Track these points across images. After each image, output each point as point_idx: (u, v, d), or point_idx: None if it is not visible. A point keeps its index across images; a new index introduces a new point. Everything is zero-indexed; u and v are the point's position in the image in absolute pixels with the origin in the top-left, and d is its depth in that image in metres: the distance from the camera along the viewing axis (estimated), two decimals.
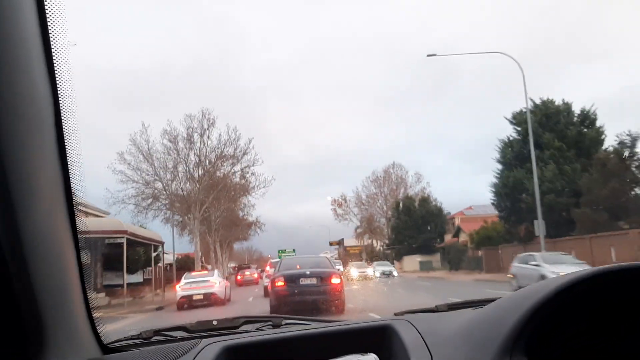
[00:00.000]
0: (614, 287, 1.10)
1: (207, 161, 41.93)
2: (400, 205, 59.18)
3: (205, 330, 1.65)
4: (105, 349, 1.42)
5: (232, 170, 43.48)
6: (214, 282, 19.74)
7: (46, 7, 1.12)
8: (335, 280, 12.56)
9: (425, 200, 58.07)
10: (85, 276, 1.31)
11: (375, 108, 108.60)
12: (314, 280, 12.38)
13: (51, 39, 1.13)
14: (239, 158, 43.09)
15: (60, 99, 1.17)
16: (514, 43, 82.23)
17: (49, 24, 1.12)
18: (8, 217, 0.97)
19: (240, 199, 53.48)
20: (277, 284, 12.56)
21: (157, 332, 1.65)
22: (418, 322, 1.35)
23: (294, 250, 79.27)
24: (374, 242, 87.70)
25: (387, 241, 70.67)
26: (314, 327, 1.50)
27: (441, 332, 1.25)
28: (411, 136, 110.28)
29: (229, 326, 1.68)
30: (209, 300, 18.91)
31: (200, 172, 41.71)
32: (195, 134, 41.14)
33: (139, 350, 1.47)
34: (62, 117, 1.17)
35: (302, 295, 11.99)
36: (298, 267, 13.22)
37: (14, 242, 0.98)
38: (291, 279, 12.45)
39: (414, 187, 65.65)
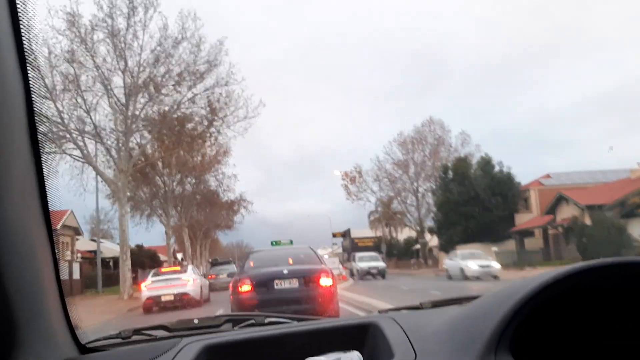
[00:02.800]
0: (599, 283, 1.08)
1: (142, 70, 23.12)
2: (450, 172, 40.70)
3: (185, 329, 1.61)
4: (83, 348, 1.37)
5: (191, 94, 24.44)
6: (186, 280, 16.70)
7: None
8: (325, 282, 8.58)
9: (487, 164, 39.64)
10: (61, 274, 1.28)
11: (365, 105, 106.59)
12: (294, 283, 8.56)
13: (22, 31, 1.09)
14: (202, 73, 24.21)
15: (32, 92, 1.12)
16: (504, 39, 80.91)
17: (19, 15, 1.08)
18: None
19: (211, 157, 34.91)
20: (240, 290, 8.56)
21: (137, 331, 1.60)
22: (402, 320, 1.33)
23: (291, 242, 61.46)
24: (394, 230, 69.31)
25: (418, 228, 52.23)
26: (296, 325, 1.49)
27: (425, 329, 1.23)
28: (372, 160, 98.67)
29: (210, 325, 1.64)
30: (181, 301, 16.15)
31: (127, 90, 22.95)
32: (120, 19, 22.36)
33: (118, 349, 1.45)
34: (35, 112, 1.13)
35: (278, 306, 7.84)
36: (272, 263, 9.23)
37: None
38: (261, 282, 8.62)
39: (459, 151, 47.35)
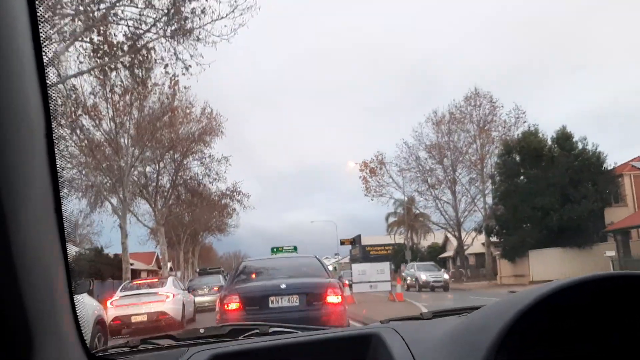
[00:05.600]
0: (598, 295, 1.11)
1: None
2: (515, 154, 30.21)
3: (192, 338, 1.64)
4: (93, 357, 1.41)
5: None
6: (164, 295, 13.69)
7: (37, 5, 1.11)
8: (332, 299, 7.13)
9: (567, 139, 29.29)
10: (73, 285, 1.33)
11: (362, 118, 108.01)
12: (294, 301, 7.10)
13: (41, 37, 1.11)
14: None
15: (50, 102, 1.15)
16: (498, 55, 76.81)
17: (39, 21, 1.11)
18: None
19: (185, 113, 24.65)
20: (227, 308, 7.06)
21: (145, 340, 1.63)
22: (403, 330, 1.36)
23: (295, 248, 51.34)
24: (416, 236, 58.90)
25: (455, 232, 41.78)
26: (301, 335, 1.51)
27: (426, 340, 1.26)
28: (398, 146, 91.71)
29: (216, 334, 1.68)
30: (157, 323, 13.04)
31: None
32: None
33: (127, 358, 1.48)
34: (52, 122, 1.16)
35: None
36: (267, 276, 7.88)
37: (2, 250, 0.99)
38: (252, 299, 7.11)
39: (512, 130, 37.03)
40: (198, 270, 40.34)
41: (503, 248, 30.39)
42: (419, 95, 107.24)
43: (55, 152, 1.16)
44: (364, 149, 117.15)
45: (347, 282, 17.00)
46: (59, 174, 1.18)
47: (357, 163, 44.56)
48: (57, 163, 1.16)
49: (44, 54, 1.10)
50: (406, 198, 45.44)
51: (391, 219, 61.84)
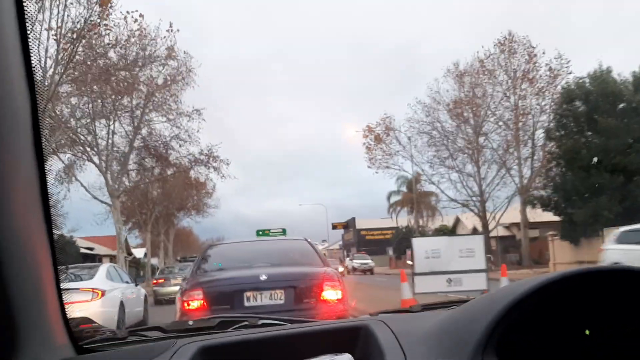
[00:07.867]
0: (589, 289, 1.12)
1: None
2: (580, 105, 22.89)
3: (181, 330, 1.65)
4: (80, 349, 1.40)
5: None
6: (90, 292, 9.94)
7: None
8: (329, 295, 5.38)
9: None
10: (60, 276, 1.32)
11: (343, 104, 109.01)
12: (278, 297, 5.35)
13: (28, 31, 1.10)
14: None
15: (37, 95, 1.15)
16: (481, 41, 67.72)
17: (26, 16, 1.10)
18: None
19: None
20: (188, 308, 5.31)
21: (133, 332, 1.64)
22: (392, 323, 1.36)
23: (283, 231, 44.04)
24: (422, 218, 51.93)
25: (479, 212, 34.77)
26: (290, 327, 1.51)
27: (415, 333, 1.26)
28: (411, 106, 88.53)
29: (205, 326, 1.67)
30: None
31: None
32: None
33: (114, 350, 1.47)
34: (39, 114, 1.16)
35: None
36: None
37: None
38: (221, 295, 5.41)
39: (552, 84, 29.91)
40: (179, 258, 36.24)
41: (562, 226, 23.42)
42: (399, 80, 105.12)
43: (42, 139, 1.13)
44: (343, 135, 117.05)
45: (404, 272, 9.52)
46: (45, 160, 1.15)
47: (358, 131, 37.30)
48: (43, 150, 1.14)
49: (29, 41, 1.07)
50: (416, 170, 38.34)
51: (394, 198, 54.91)
